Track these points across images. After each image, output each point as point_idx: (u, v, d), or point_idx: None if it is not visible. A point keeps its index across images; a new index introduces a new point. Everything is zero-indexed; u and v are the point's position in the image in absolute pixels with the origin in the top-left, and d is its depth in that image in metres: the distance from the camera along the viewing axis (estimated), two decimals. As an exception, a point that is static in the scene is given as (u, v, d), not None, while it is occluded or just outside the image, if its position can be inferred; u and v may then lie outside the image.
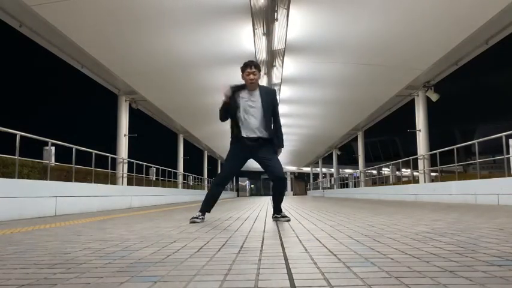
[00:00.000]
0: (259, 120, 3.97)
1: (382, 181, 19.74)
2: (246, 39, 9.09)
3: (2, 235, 3.24)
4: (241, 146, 4.00)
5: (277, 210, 4.27)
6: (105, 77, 11.90)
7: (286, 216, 4.21)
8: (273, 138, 4.05)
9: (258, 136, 3.97)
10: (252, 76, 3.98)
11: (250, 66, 4.01)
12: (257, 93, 4.05)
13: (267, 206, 8.96)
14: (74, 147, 8.27)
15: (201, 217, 4.07)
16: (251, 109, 3.98)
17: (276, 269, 1.57)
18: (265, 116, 3.99)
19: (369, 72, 11.48)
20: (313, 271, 1.52)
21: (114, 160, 12.09)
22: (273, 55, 10.34)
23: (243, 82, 4.07)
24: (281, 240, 2.52)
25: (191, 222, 3.98)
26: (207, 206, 4.17)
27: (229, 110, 4.04)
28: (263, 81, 12.56)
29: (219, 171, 4.30)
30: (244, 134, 3.97)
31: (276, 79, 12.37)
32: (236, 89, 4.04)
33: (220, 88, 3.98)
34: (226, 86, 3.98)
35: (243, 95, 4.03)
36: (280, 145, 4.17)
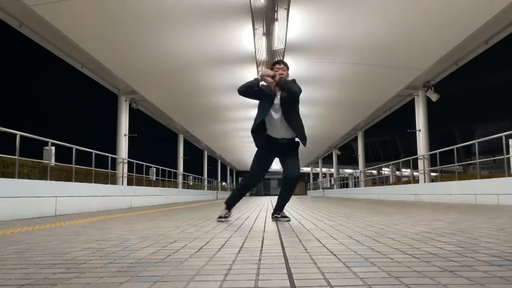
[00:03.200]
0: (285, 118, 3.92)
1: (382, 181, 19.74)
2: (246, 39, 9.09)
3: (2, 235, 3.24)
4: (268, 147, 4.01)
5: (279, 208, 4.21)
6: (105, 77, 11.90)
7: (286, 217, 4.18)
8: (297, 136, 4.00)
9: (282, 137, 3.96)
10: (280, 72, 3.96)
11: (279, 63, 4.01)
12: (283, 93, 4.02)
13: (267, 206, 8.96)
14: (74, 147, 8.27)
15: (228, 214, 4.19)
16: (278, 108, 3.95)
17: (276, 269, 1.57)
18: (290, 112, 3.95)
19: (369, 72, 11.48)
20: (313, 271, 1.52)
21: (114, 160, 12.09)
22: (273, 55, 10.34)
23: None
24: (281, 240, 2.52)
25: (221, 221, 4.10)
26: (233, 203, 4.26)
27: (253, 91, 4.01)
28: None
29: (249, 171, 4.24)
30: (271, 134, 3.97)
31: (276, 79, 12.36)
32: (269, 89, 4.04)
33: (263, 74, 3.97)
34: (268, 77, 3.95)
35: (272, 93, 4.01)
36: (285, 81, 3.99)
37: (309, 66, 11.32)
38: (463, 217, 4.20)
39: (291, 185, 4.05)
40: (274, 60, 4.11)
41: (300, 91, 3.94)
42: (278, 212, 4.20)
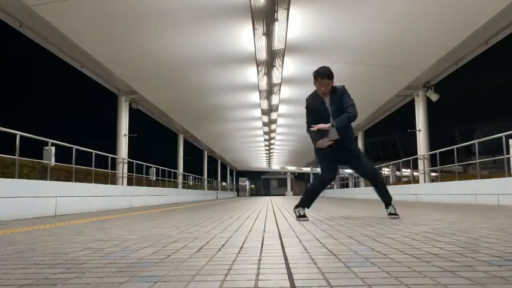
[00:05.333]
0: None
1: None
2: (246, 39, 9.09)
3: (2, 235, 3.24)
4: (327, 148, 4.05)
5: (385, 203, 4.16)
6: (105, 77, 11.90)
7: (394, 214, 4.03)
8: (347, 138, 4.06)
9: (336, 139, 4.00)
10: (323, 88, 3.95)
11: (322, 77, 3.94)
12: (330, 97, 4.02)
13: (267, 206, 8.96)
14: (74, 147, 8.27)
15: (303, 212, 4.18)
16: (326, 114, 3.99)
17: (276, 269, 1.57)
18: (337, 117, 3.95)
19: (368, 72, 11.47)
20: (313, 271, 1.52)
21: (114, 160, 12.09)
22: (273, 55, 10.34)
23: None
24: (281, 240, 2.52)
25: (303, 219, 4.05)
26: (309, 201, 4.28)
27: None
28: (263, 81, 12.56)
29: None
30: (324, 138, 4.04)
31: (276, 79, 12.37)
32: (312, 99, 4.11)
33: (319, 143, 3.99)
34: (323, 141, 3.99)
35: (327, 103, 4.04)
36: (335, 122, 3.92)
37: (308, 66, 11.30)
38: (463, 217, 4.20)
39: (373, 176, 4.23)
40: (319, 71, 4.00)
41: (355, 113, 3.94)
42: (386, 207, 4.16)
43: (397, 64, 10.84)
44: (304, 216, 4.14)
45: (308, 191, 4.37)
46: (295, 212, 4.24)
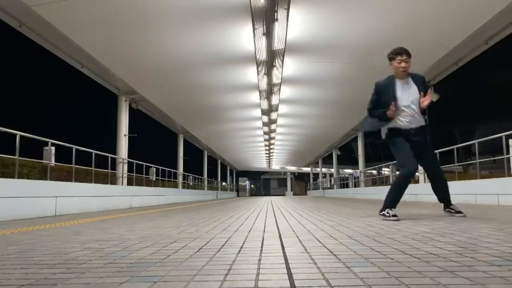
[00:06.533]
0: (418, 107, 3.89)
1: (382, 181, 19.72)
2: (246, 39, 9.09)
3: (2, 235, 3.24)
4: (406, 137, 3.91)
5: (447, 201, 4.05)
6: (105, 77, 11.90)
7: (459, 211, 3.95)
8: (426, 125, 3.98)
9: (421, 125, 3.93)
10: (403, 64, 3.89)
11: (401, 54, 3.90)
12: (410, 80, 3.98)
13: (267, 206, 8.96)
14: (74, 147, 8.27)
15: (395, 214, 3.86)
16: (409, 97, 3.90)
17: (276, 269, 1.57)
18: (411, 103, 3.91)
19: (368, 72, 11.45)
20: (313, 271, 1.52)
21: (114, 160, 12.09)
22: (273, 55, 10.34)
23: (386, 76, 4.06)
24: (281, 240, 2.52)
25: (394, 218, 3.77)
26: (394, 201, 3.96)
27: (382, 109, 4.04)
28: (263, 81, 12.56)
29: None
30: (406, 126, 3.92)
31: (276, 79, 12.38)
32: (386, 83, 4.05)
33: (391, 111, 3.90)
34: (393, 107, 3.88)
35: (398, 85, 3.96)
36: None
37: (309, 66, 11.32)
38: (463, 217, 4.20)
39: (442, 183, 4.01)
40: (396, 50, 3.93)
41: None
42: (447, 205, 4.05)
43: (397, 64, 10.83)
44: (395, 215, 3.81)
45: (391, 191, 3.96)
46: (384, 215, 3.89)
